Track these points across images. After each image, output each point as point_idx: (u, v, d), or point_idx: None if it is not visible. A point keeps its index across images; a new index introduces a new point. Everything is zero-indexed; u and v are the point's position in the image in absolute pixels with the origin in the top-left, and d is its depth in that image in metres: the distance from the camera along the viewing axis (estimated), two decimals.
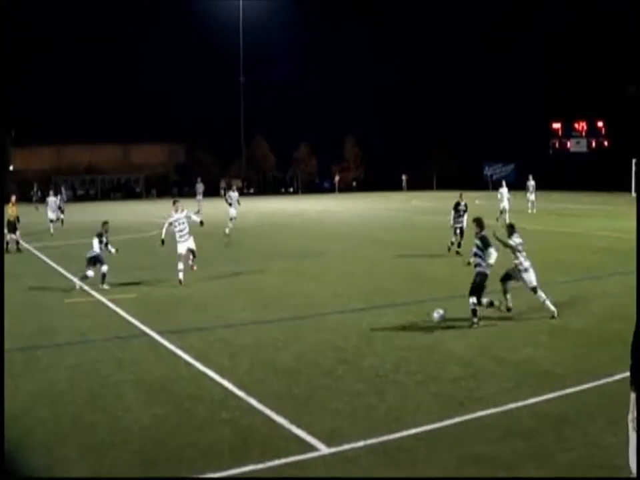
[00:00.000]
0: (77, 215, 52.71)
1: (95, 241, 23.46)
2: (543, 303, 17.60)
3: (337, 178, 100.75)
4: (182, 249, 24.03)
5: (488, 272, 17.16)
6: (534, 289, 17.73)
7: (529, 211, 51.68)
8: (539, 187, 56.32)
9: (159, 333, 16.88)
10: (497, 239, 17.84)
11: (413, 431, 10.60)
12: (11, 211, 34.39)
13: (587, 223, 43.99)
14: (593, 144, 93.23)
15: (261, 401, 11.90)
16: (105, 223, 24.27)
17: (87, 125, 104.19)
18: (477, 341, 15.72)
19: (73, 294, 22.21)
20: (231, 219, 39.82)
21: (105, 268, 23.19)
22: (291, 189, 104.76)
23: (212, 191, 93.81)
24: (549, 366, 13.64)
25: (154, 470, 9.60)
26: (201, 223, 25.60)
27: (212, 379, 13.29)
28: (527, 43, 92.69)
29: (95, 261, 23.34)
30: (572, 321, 17.33)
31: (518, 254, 17.73)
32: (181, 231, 24.09)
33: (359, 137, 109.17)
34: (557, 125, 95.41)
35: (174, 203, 25.23)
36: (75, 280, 23.25)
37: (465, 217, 28.54)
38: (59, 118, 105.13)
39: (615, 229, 38.11)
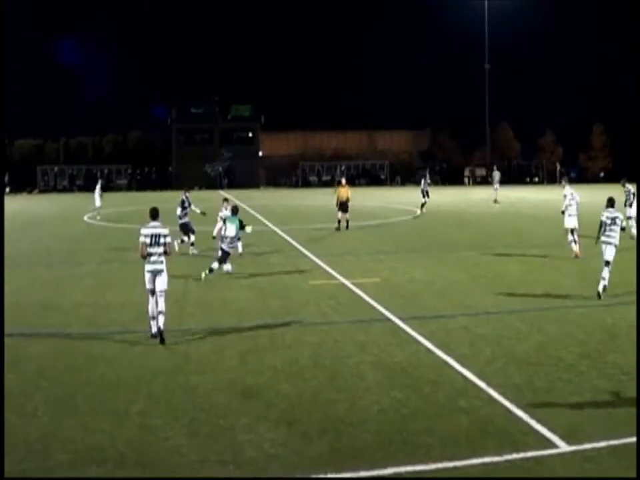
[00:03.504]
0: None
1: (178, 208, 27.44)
2: None
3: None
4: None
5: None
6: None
7: None
8: None
9: (401, 318, 17.01)
10: None
11: None
12: (341, 192, 36.41)
13: None
14: None
15: (500, 392, 11.74)
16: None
17: (332, 111, 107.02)
18: None
19: (317, 275, 22.86)
20: None
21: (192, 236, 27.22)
22: (536, 179, 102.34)
23: (456, 179, 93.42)
24: None
25: (389, 453, 9.63)
26: None
27: (452, 367, 13.24)
28: None
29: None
30: None
31: None
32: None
33: (609, 124, 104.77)
34: None
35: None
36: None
37: None
38: (306, 105, 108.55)
39: None
